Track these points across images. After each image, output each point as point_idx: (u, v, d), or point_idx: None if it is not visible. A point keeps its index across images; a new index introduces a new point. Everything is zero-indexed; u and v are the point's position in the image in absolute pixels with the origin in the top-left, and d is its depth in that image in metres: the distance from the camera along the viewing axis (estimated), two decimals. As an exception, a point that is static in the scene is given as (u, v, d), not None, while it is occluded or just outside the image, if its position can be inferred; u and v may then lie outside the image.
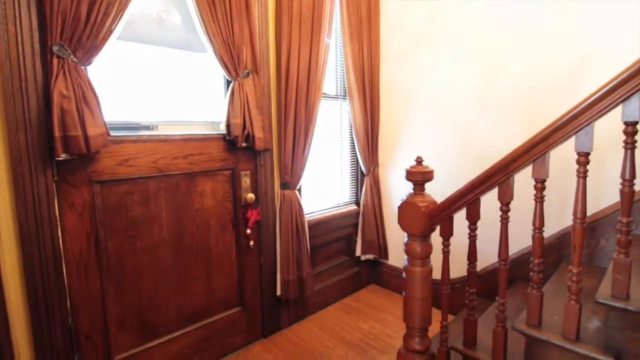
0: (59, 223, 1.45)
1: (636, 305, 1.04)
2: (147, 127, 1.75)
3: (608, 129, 1.58)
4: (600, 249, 1.80)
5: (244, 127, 1.91)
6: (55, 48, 1.31)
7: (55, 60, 1.32)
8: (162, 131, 1.78)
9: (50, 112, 1.33)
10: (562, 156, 1.70)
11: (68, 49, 1.34)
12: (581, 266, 1.17)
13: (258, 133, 1.96)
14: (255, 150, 2.06)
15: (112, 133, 1.54)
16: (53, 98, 1.32)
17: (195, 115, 1.94)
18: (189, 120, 1.91)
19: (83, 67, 1.40)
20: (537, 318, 1.27)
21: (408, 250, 1.60)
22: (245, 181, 2.05)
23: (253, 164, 2.09)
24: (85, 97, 1.39)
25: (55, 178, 1.44)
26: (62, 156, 1.40)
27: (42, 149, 1.38)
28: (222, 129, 1.91)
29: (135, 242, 1.68)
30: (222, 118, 1.91)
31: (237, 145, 1.92)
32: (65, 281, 1.48)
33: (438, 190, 1.85)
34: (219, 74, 1.94)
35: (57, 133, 1.33)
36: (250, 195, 2.04)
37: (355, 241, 2.83)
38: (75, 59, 1.36)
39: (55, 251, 1.44)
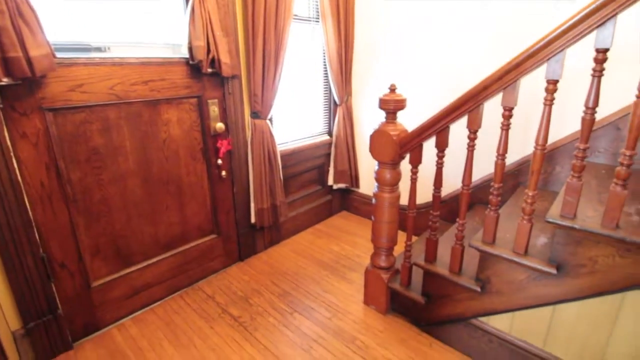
0: (12, 154, 1.36)
1: (581, 224, 1.15)
2: (99, 49, 1.58)
3: (570, 64, 1.59)
4: (555, 175, 1.93)
5: (209, 51, 1.76)
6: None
7: (-26, -38, 1.12)
8: (116, 53, 1.62)
9: (-20, 29, 1.16)
10: (528, 91, 1.72)
11: (-12, -52, 1.12)
12: (536, 190, 1.25)
13: (224, 58, 1.83)
14: (222, 77, 1.94)
15: (59, 55, 1.39)
16: (-19, 11, 1.14)
17: (153, 36, 1.76)
18: (146, 41, 1.74)
19: (11, -27, 1.19)
20: (491, 236, 1.39)
21: (378, 177, 1.65)
22: (214, 110, 1.96)
23: (220, 91, 1.98)
24: (20, 11, 1.21)
25: (1, 106, 1.31)
26: (4, 80, 1.26)
27: (-21, 72, 1.23)
28: (184, 52, 1.76)
29: (101, 172, 1.62)
30: (183, 40, 1.74)
31: (202, 70, 1.79)
32: (30, 213, 1.44)
33: (412, 120, 1.86)
34: (176, -14, 1.73)
35: (-7, 53, 1.18)
36: (220, 125, 1.97)
37: (328, 171, 2.88)
38: (-1, -38, 1.15)
39: (14, 183, 1.37)
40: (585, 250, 1.17)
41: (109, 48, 1.60)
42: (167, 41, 1.80)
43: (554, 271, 1.23)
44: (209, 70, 1.82)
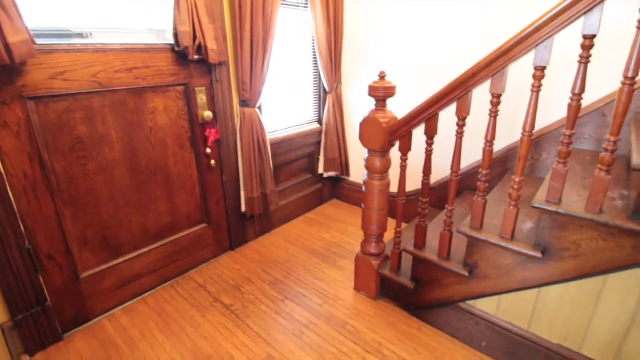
0: (-7, 144, 1.32)
1: (566, 209, 1.17)
2: (80, 35, 1.53)
3: (557, 52, 1.60)
4: (542, 161, 1.96)
5: (195, 37, 1.72)
6: None
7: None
8: (98, 40, 1.57)
9: (-47, 12, 1.11)
10: (516, 78, 1.73)
11: None
12: (523, 176, 1.27)
13: (211, 44, 1.79)
14: (210, 64, 1.90)
15: (39, 41, 1.34)
16: (-47, -7, 1.09)
17: (137, 21, 1.71)
18: (129, 27, 1.69)
19: (-16, -46, 1.14)
20: (479, 222, 1.41)
21: (368, 165, 1.65)
22: (201, 98, 1.93)
23: (208, 79, 1.95)
24: (-5, -6, 1.16)
25: (-22, 93, 1.27)
26: (-19, 67, 1.21)
27: (-46, 59, 1.19)
28: (170, 38, 1.72)
29: (86, 162, 1.59)
30: (168, 26, 1.70)
31: (189, 57, 1.75)
32: (14, 204, 1.41)
33: (402, 108, 1.86)
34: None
35: (-32, 39, 1.14)
36: (208, 113, 1.94)
37: (318, 159, 2.88)
38: (-29, -58, 1.10)
39: (-4, 174, 1.34)
40: (569, 234, 1.20)
41: (90, 34, 1.56)
42: (152, 27, 1.75)
43: (539, 255, 1.26)
44: (196, 57, 1.78)
